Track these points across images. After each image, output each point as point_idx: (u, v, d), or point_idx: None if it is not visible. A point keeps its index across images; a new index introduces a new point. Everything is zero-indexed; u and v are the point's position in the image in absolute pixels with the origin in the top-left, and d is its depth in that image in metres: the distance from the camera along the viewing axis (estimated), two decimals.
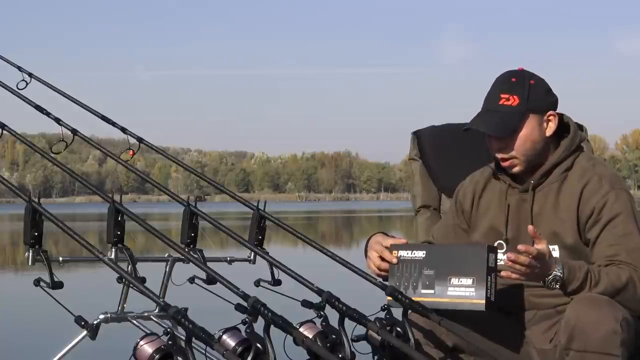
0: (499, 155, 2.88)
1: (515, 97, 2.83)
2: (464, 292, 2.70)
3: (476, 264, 2.70)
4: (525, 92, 2.83)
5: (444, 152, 3.63)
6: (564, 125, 2.93)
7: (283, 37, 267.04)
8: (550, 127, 2.87)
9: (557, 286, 2.65)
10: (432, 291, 2.74)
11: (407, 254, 2.81)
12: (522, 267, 2.59)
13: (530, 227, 2.66)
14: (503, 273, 2.65)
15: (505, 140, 2.85)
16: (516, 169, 2.88)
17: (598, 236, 2.76)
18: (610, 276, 2.66)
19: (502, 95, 2.84)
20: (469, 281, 2.70)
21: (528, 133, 2.84)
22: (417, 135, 3.67)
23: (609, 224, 2.75)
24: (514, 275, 2.63)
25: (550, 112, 2.87)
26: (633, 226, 2.75)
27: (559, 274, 2.63)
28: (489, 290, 2.68)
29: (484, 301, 2.67)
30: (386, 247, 2.85)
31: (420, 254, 2.79)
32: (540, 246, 2.62)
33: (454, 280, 2.72)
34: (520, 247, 2.59)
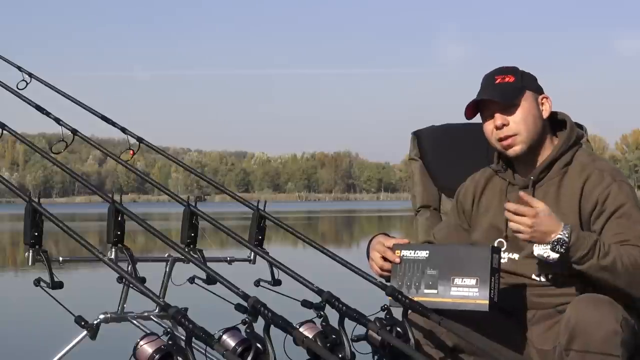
0: (501, 134, 2.87)
1: (510, 76, 2.91)
2: (467, 292, 2.70)
3: (480, 264, 2.70)
4: (518, 74, 2.93)
5: (444, 152, 3.62)
6: (560, 122, 2.94)
7: (283, 37, 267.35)
8: (546, 109, 2.91)
9: (563, 250, 2.63)
10: (435, 291, 2.74)
11: (410, 253, 2.80)
12: (527, 221, 2.62)
13: (521, 193, 2.70)
14: (511, 224, 2.66)
15: (508, 113, 2.86)
16: (517, 148, 2.86)
17: (604, 226, 2.75)
18: (620, 250, 2.66)
19: (497, 77, 2.92)
20: (472, 281, 2.69)
21: (528, 107, 2.88)
22: (417, 135, 3.67)
23: (614, 214, 2.75)
24: (520, 235, 2.66)
25: (543, 95, 2.92)
26: (638, 215, 2.75)
27: (565, 237, 2.63)
28: (492, 291, 2.68)
29: (487, 301, 2.67)
30: (388, 247, 2.84)
31: (423, 253, 2.79)
32: (539, 204, 2.65)
33: (457, 281, 2.71)
34: (519, 199, 2.67)
